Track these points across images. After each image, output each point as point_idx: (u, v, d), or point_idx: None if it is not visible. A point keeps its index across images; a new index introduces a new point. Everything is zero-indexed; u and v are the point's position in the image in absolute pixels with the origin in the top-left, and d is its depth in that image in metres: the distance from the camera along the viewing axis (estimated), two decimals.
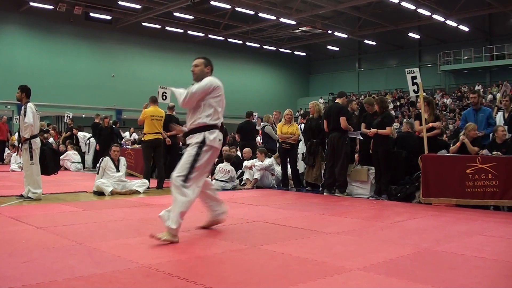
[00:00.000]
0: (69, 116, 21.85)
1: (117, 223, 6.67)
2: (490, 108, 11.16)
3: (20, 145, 9.10)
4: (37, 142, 8.97)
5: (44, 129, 21.30)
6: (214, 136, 5.51)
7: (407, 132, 10.60)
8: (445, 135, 11.17)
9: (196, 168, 5.35)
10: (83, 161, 17.93)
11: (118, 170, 10.39)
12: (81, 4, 30.77)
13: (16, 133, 19.69)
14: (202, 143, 5.45)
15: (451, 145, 9.62)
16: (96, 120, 18.42)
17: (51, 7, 29.95)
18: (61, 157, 17.57)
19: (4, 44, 30.26)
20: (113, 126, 17.90)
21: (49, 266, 4.21)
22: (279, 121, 12.72)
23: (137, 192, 10.30)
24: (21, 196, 9.03)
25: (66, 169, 17.39)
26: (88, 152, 17.98)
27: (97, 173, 10.47)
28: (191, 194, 5.30)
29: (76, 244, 5.09)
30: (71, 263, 4.32)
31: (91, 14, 32.79)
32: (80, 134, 18.83)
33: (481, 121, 9.78)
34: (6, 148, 20.90)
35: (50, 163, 9.13)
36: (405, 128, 11.00)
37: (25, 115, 8.81)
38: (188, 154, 5.42)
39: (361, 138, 10.32)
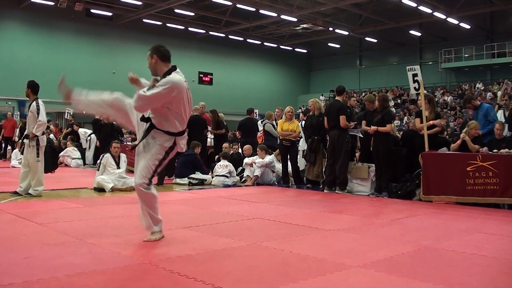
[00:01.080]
0: (69, 113, 21.84)
1: (118, 219, 6.68)
2: (489, 104, 11.12)
3: (21, 141, 9.12)
4: (44, 140, 8.99)
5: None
6: (184, 142, 5.33)
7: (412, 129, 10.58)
8: (445, 133, 11.15)
9: (158, 171, 5.26)
10: (83, 158, 17.92)
11: (118, 167, 10.40)
12: (82, 0, 30.74)
13: (17, 130, 19.78)
14: (172, 148, 5.15)
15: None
16: (97, 117, 18.39)
17: (52, 3, 29.93)
18: (61, 153, 17.61)
19: (4, 40, 30.24)
20: (114, 122, 17.88)
21: (49, 262, 4.22)
22: (280, 118, 12.72)
23: None
24: (15, 192, 9.00)
25: (66, 165, 17.40)
26: (89, 148, 17.99)
27: (98, 170, 10.48)
28: (154, 190, 5.20)
29: (76, 241, 5.10)
30: (72, 259, 4.33)
31: (92, 11, 32.77)
32: (81, 131, 18.85)
33: (481, 119, 9.78)
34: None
35: (47, 161, 9.11)
36: (412, 125, 10.98)
37: (38, 113, 8.81)
38: (153, 156, 5.08)
39: (361, 135, 10.32)
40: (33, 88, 9.09)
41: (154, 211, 5.16)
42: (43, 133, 8.98)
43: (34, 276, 3.79)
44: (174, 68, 5.23)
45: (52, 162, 9.29)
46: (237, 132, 14.83)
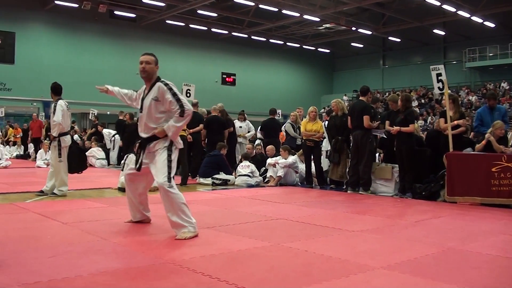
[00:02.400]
0: (94, 113, 22.04)
1: None
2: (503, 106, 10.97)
3: (45, 142, 9.21)
4: (66, 140, 9.00)
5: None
6: (179, 140, 5.63)
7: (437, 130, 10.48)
8: (472, 133, 11.02)
9: (172, 167, 5.44)
10: (107, 158, 18.06)
11: None
12: (106, 2, 31.04)
13: (43, 130, 20.08)
14: (170, 145, 5.52)
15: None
16: (121, 117, 18.54)
17: (76, 5, 30.26)
18: (86, 153, 17.75)
19: (29, 42, 30.63)
20: (137, 123, 17.99)
21: (74, 261, 4.26)
22: (303, 118, 12.68)
23: None
24: (41, 191, 9.10)
25: (91, 165, 17.52)
26: (113, 148, 18.12)
27: (122, 170, 10.54)
28: (177, 190, 5.42)
29: (101, 240, 5.14)
30: (96, 258, 4.37)
31: (116, 12, 33.06)
32: (105, 131, 18.98)
33: (497, 119, 9.65)
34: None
35: (73, 162, 9.14)
36: (437, 125, 10.88)
37: (54, 113, 8.90)
38: (161, 159, 5.44)
39: (385, 136, 10.26)
40: (54, 90, 9.17)
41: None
42: (66, 134, 9.04)
43: (59, 275, 3.83)
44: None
45: (78, 162, 9.31)
46: (259, 133, 14.83)
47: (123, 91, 6.23)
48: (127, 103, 6.20)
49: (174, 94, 5.41)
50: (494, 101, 10.22)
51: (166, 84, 5.49)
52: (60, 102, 8.97)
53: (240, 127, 15.04)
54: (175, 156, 5.52)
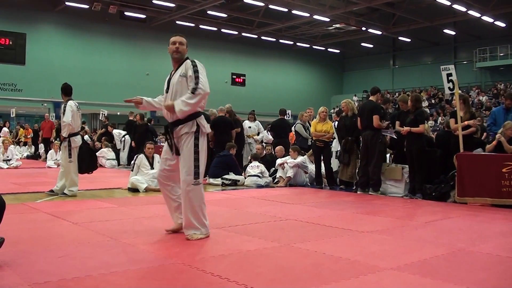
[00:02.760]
0: (104, 114, 22.13)
1: (152, 219, 6.73)
2: None
3: (56, 142, 9.26)
4: (76, 141, 9.06)
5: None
6: (205, 123, 5.39)
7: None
8: (485, 134, 10.98)
9: (200, 161, 5.21)
10: (117, 158, 18.12)
11: (152, 167, 10.48)
12: (116, 3, 31.11)
13: (54, 131, 20.20)
14: (197, 132, 5.24)
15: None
16: (131, 118, 18.61)
17: (86, 6, 30.35)
18: (96, 154, 17.84)
19: (40, 43, 30.77)
20: (148, 123, 18.07)
21: (84, 261, 4.28)
22: (313, 119, 12.67)
23: None
24: (51, 191, 9.16)
25: (101, 166, 17.60)
26: (123, 149, 18.18)
27: (132, 170, 10.58)
28: (201, 190, 5.27)
29: (111, 240, 5.16)
30: (106, 258, 4.39)
31: (126, 13, 33.12)
32: (115, 132, 19.05)
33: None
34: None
35: (83, 162, 9.15)
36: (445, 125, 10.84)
37: (64, 114, 8.96)
38: (187, 150, 5.18)
39: (395, 137, 10.22)
40: (64, 90, 9.25)
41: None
42: (76, 134, 9.08)
43: (69, 274, 3.85)
44: None
45: (88, 163, 9.30)
46: (270, 133, 14.83)
47: (156, 99, 5.79)
48: None
49: (195, 71, 5.19)
50: (511, 101, 10.13)
51: (192, 61, 5.31)
52: (70, 102, 9.01)
53: (250, 127, 15.04)
54: (203, 144, 5.26)
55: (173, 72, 5.47)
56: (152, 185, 10.17)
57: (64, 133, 8.92)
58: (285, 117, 14.69)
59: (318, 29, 38.60)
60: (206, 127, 5.36)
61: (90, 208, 7.71)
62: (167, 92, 5.41)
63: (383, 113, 10.32)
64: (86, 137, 20.16)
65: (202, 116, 5.37)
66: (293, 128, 14.09)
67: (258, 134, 15.19)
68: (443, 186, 9.15)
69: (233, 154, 12.12)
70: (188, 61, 5.35)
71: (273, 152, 13.40)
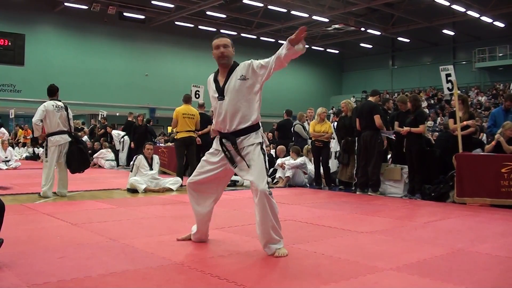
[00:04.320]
0: (103, 115, 22.12)
1: (151, 220, 6.73)
2: None
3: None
4: (52, 140, 8.98)
5: (79, 128, 21.67)
6: (264, 135, 4.95)
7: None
8: (483, 134, 10.99)
9: (267, 170, 4.75)
10: (117, 159, 18.12)
11: (151, 168, 10.48)
12: (115, 4, 31.10)
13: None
14: (262, 143, 4.79)
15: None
16: (130, 119, 18.63)
17: (85, 7, 30.34)
18: (95, 155, 17.87)
19: (39, 44, 30.73)
20: (147, 124, 18.09)
21: (83, 262, 4.28)
22: (313, 119, 12.67)
23: (170, 189, 10.37)
24: (54, 193, 9.15)
25: (100, 166, 17.62)
26: (122, 150, 18.18)
27: (131, 171, 10.58)
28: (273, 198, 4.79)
29: (110, 241, 5.16)
30: (105, 259, 4.38)
31: (125, 14, 33.13)
32: (114, 132, 19.04)
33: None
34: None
35: (73, 161, 9.04)
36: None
37: None
38: (259, 159, 4.66)
39: (394, 138, 10.22)
40: (47, 91, 9.35)
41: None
42: (53, 134, 8.98)
43: (68, 275, 3.84)
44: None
45: (79, 162, 9.15)
46: (275, 133, 14.82)
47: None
48: None
49: (258, 60, 4.87)
50: (511, 102, 10.12)
51: (246, 62, 4.93)
52: (46, 103, 9.06)
53: None
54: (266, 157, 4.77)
55: (223, 79, 4.94)
56: (151, 185, 10.18)
57: (34, 134, 8.98)
58: (291, 118, 14.68)
59: (317, 30, 38.59)
60: (267, 141, 5.00)
61: (89, 209, 7.71)
62: (220, 99, 4.82)
63: (382, 112, 10.33)
64: (85, 137, 20.18)
65: (261, 128, 4.97)
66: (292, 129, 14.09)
67: None
68: (442, 187, 9.16)
69: None
70: (241, 64, 4.98)
71: (271, 152, 13.41)
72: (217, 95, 4.86)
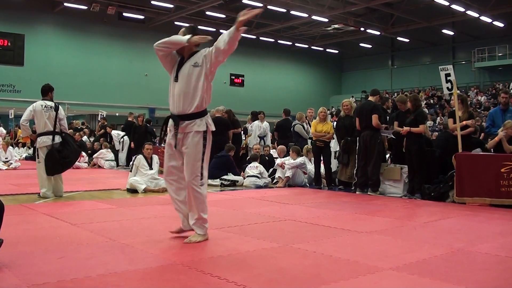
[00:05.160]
0: (102, 115, 22.11)
1: (150, 220, 6.73)
2: None
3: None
4: (39, 141, 8.94)
5: (79, 128, 21.66)
6: (211, 122, 5.24)
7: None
8: (483, 134, 10.98)
9: (205, 160, 5.10)
10: (116, 159, 18.11)
11: (151, 168, 10.47)
12: (114, 4, 31.10)
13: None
14: (206, 132, 5.10)
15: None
16: (129, 119, 18.62)
17: (85, 7, 30.34)
18: (95, 155, 17.86)
19: (39, 44, 30.74)
20: (147, 124, 18.08)
21: (83, 262, 4.28)
22: (313, 119, 12.67)
23: None
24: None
25: (100, 167, 17.62)
26: (122, 150, 18.17)
27: (130, 171, 10.58)
28: (204, 191, 5.17)
29: (109, 241, 5.16)
30: (105, 259, 4.38)
31: (124, 14, 33.12)
32: (114, 133, 19.03)
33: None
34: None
35: (48, 163, 8.85)
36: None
37: None
38: (194, 149, 5.02)
39: (394, 137, 10.22)
40: (40, 91, 9.25)
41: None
42: (42, 135, 8.91)
43: (68, 275, 3.84)
44: None
45: (56, 164, 8.92)
46: (275, 133, 14.84)
47: None
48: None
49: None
50: (507, 98, 10.12)
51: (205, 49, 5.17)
52: (35, 103, 8.99)
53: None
54: (209, 145, 5.13)
55: (184, 61, 5.26)
56: (150, 186, 10.17)
57: (22, 134, 8.94)
58: (290, 117, 14.67)
59: (317, 30, 38.60)
60: (212, 126, 5.23)
61: (89, 209, 7.71)
62: (175, 81, 5.22)
63: (382, 112, 10.32)
64: (84, 138, 20.18)
65: (209, 114, 5.27)
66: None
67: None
68: (442, 186, 9.16)
69: (231, 156, 12.10)
70: (201, 51, 5.22)
71: (271, 153, 13.42)
72: (174, 75, 5.24)
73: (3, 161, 16.73)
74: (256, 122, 15.24)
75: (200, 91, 5.09)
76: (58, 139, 9.00)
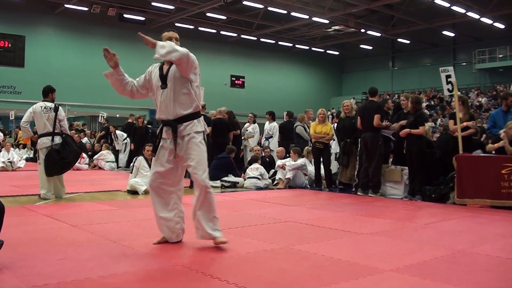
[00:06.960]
0: (103, 116, 22.10)
1: (151, 221, 6.68)
2: None
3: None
4: (40, 143, 8.93)
5: (79, 129, 21.65)
6: (205, 123, 5.16)
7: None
8: (484, 135, 10.97)
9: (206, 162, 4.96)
10: (117, 160, 18.09)
11: None
12: (115, 5, 31.10)
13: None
14: (203, 132, 5.02)
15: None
16: (130, 120, 18.60)
17: (85, 9, 30.35)
18: (95, 156, 17.85)
19: (39, 45, 30.75)
20: (148, 126, 18.07)
21: (83, 263, 4.27)
22: (310, 121, 12.66)
23: None
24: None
25: (100, 168, 17.61)
26: (124, 151, 18.15)
27: (131, 172, 10.58)
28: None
29: (110, 242, 5.16)
30: (105, 261, 4.38)
31: (125, 15, 33.10)
32: (119, 133, 18.89)
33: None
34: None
35: (48, 164, 8.81)
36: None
37: None
38: (198, 148, 4.88)
39: (394, 138, 10.21)
40: (42, 92, 9.27)
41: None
42: (42, 136, 8.91)
43: (68, 277, 3.84)
44: None
45: (56, 166, 8.86)
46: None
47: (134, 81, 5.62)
48: (126, 92, 5.71)
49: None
50: (506, 101, 10.07)
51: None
52: (35, 105, 9.02)
53: (247, 130, 15.10)
54: (205, 146, 5.01)
55: (167, 67, 5.14)
56: None
57: (23, 135, 8.97)
58: (293, 119, 14.68)
59: (317, 31, 38.59)
60: (207, 129, 5.19)
61: (89, 210, 7.71)
62: (163, 88, 5.03)
63: (384, 113, 10.32)
64: (85, 139, 20.17)
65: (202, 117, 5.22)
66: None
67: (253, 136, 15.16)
68: (442, 188, 9.15)
69: (232, 157, 12.10)
70: None
71: (271, 154, 13.41)
72: (160, 83, 5.08)
73: (8, 162, 16.70)
74: (254, 124, 15.25)
75: (193, 91, 5.05)
76: (58, 140, 8.99)
